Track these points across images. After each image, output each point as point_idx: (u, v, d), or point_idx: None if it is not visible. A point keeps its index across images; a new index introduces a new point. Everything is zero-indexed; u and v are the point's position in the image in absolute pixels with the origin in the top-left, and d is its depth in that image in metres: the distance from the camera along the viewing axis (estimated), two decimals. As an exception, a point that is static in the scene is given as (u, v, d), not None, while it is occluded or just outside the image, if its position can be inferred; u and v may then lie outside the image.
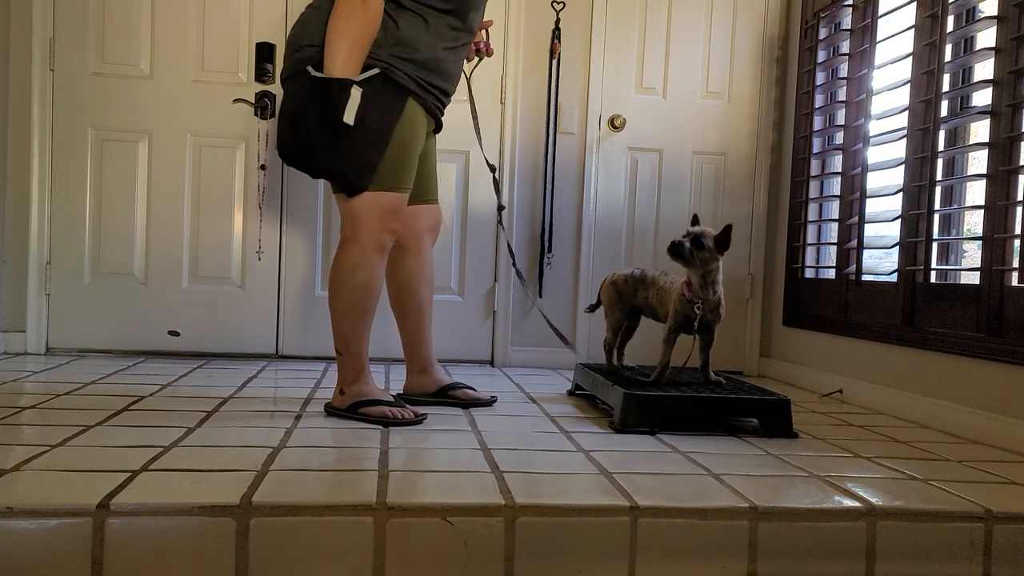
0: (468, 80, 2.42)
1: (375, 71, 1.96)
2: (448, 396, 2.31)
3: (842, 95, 2.94)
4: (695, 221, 2.19)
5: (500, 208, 2.55)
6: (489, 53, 2.39)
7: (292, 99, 2.01)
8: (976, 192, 2.35)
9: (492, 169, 2.48)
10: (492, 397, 2.38)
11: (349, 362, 2.07)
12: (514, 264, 2.78)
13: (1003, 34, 2.17)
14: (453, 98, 2.19)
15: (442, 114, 2.18)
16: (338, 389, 2.10)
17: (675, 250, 2.10)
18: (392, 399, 2.09)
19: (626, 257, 3.32)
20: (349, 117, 1.92)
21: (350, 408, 2.04)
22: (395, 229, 2.07)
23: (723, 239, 2.11)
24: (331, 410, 2.10)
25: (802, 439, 2.07)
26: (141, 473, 1.47)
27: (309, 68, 1.97)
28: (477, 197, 3.24)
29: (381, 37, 1.98)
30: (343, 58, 1.92)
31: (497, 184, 2.53)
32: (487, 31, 2.38)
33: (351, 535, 1.33)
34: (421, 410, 2.10)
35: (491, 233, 3.25)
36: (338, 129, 1.93)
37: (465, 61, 2.27)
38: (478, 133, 2.48)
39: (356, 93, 1.92)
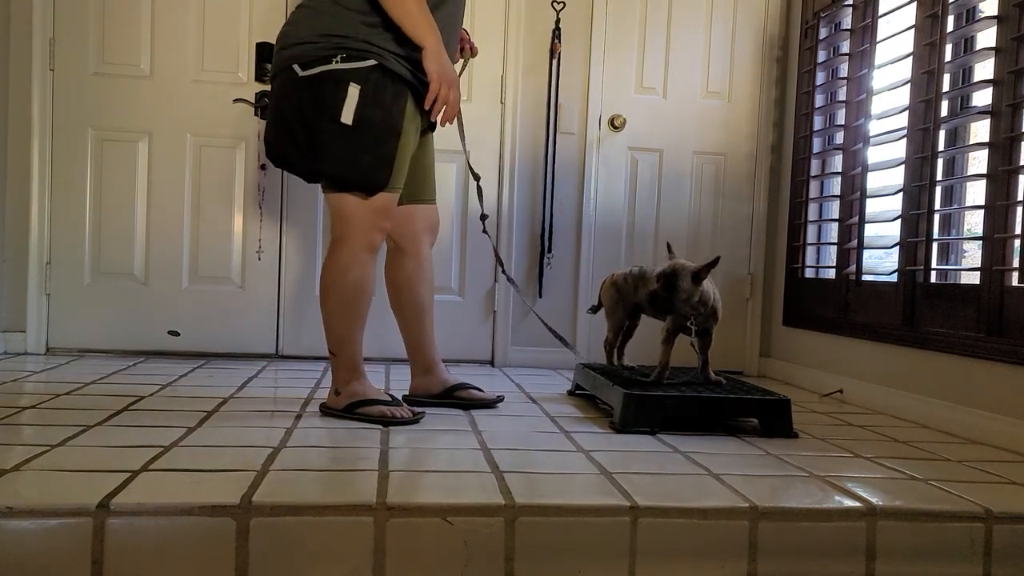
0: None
1: (371, 62, 1.90)
2: (454, 397, 2.27)
3: (842, 95, 2.94)
4: (669, 249, 2.15)
5: (483, 217, 2.44)
6: (474, 53, 2.34)
7: (279, 99, 1.96)
8: (976, 192, 2.35)
9: (476, 177, 2.35)
10: (498, 397, 2.35)
11: (344, 363, 2.05)
12: (503, 271, 2.56)
13: (1003, 34, 2.17)
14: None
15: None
16: (333, 390, 2.08)
17: (659, 307, 2.09)
18: (389, 398, 2.09)
19: (626, 257, 3.32)
20: (347, 117, 1.87)
21: (347, 408, 2.04)
22: (385, 228, 2.03)
23: (700, 274, 2.07)
24: (327, 410, 2.09)
25: (802, 439, 2.07)
26: (141, 473, 1.47)
27: (295, 67, 1.91)
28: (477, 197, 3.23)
29: (371, 26, 1.91)
30: (425, 23, 1.88)
31: (481, 192, 2.42)
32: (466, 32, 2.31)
33: (351, 535, 1.33)
34: (425, 412, 2.09)
35: (492, 233, 3.25)
36: (337, 130, 1.88)
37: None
38: (463, 138, 2.31)
39: (354, 91, 1.87)
